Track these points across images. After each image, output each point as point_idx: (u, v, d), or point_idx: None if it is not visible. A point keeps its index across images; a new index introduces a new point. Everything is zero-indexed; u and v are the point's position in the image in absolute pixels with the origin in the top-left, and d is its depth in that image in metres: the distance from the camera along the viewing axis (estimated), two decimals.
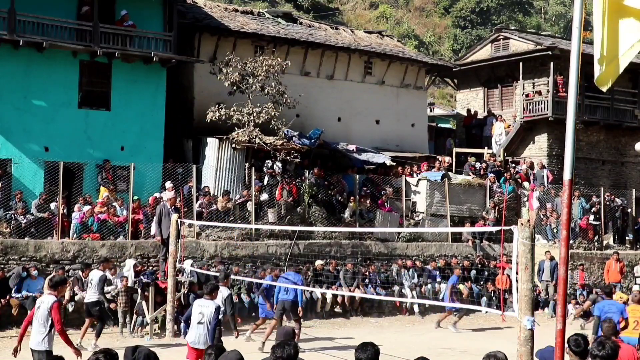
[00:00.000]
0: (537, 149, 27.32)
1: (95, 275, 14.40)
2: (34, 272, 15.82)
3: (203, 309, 9.78)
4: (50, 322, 8.58)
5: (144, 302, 15.16)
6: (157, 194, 19.03)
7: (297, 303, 14.02)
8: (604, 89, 5.11)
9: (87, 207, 17.98)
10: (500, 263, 20.20)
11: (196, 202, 19.18)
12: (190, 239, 18.09)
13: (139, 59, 19.96)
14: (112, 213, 18.01)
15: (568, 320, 15.34)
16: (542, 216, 23.30)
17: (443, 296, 17.95)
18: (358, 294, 18.29)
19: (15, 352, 8.91)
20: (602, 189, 24.77)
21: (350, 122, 25.26)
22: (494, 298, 20.07)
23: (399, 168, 23.71)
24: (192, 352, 9.62)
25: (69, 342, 8.71)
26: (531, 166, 26.19)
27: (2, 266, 15.93)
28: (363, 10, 50.38)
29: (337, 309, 18.54)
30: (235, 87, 20.78)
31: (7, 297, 15.31)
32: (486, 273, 21.09)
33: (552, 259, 20.54)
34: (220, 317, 10.03)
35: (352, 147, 23.86)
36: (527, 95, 27.39)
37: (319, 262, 18.46)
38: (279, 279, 14.35)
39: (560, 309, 5.23)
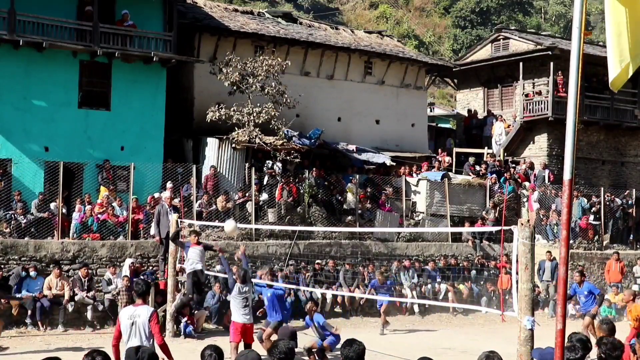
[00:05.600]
0: (537, 149, 27.32)
1: None
2: (33, 273, 15.82)
3: None
4: None
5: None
6: (156, 194, 19.03)
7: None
8: (616, 90, 5.09)
9: (87, 207, 17.99)
10: (500, 263, 20.21)
11: (196, 202, 19.18)
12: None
13: (139, 59, 19.96)
14: (111, 213, 18.02)
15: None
16: (542, 216, 23.30)
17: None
18: (358, 294, 18.29)
19: None
20: (602, 189, 24.77)
21: (350, 122, 25.26)
22: (493, 298, 20.08)
23: (401, 168, 23.68)
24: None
25: None
26: (531, 166, 26.20)
27: (2, 266, 15.93)
28: (363, 10, 50.39)
29: (337, 309, 18.54)
30: (235, 87, 20.78)
31: (7, 297, 15.30)
32: (486, 273, 21.10)
33: (552, 259, 20.56)
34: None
35: (352, 147, 23.87)
36: (527, 95, 27.38)
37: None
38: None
39: (560, 309, 5.22)
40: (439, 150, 26.86)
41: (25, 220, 17.16)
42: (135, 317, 8.00)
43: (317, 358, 12.07)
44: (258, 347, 11.72)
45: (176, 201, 17.90)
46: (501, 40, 29.48)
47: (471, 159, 25.63)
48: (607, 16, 4.90)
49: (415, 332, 17.16)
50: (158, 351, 7.60)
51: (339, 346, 10.70)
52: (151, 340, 7.98)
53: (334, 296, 18.27)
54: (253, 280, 13.26)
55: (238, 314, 11.20)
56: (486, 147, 27.38)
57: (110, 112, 19.93)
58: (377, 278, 16.94)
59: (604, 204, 24.19)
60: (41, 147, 18.93)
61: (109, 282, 16.37)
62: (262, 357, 5.42)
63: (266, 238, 19.45)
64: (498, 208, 22.96)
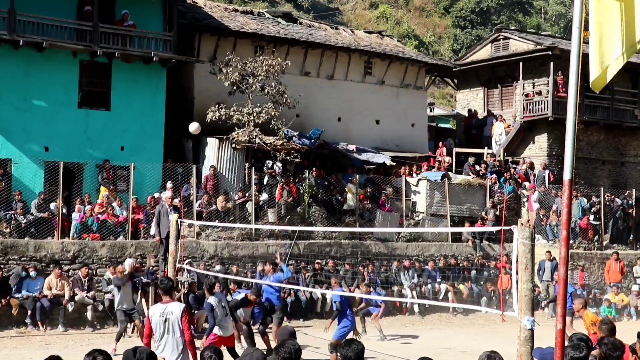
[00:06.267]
0: (537, 149, 27.32)
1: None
2: (33, 273, 15.82)
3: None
4: None
5: (143, 302, 15.15)
6: (156, 194, 19.04)
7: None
8: (597, 91, 5.13)
9: (87, 207, 17.99)
10: (500, 263, 20.22)
11: (196, 202, 19.19)
12: (190, 239, 18.09)
13: (139, 59, 19.96)
14: (111, 213, 18.02)
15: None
16: (542, 216, 23.31)
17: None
18: (358, 294, 18.27)
19: None
20: (602, 189, 24.77)
21: (350, 122, 25.25)
22: (493, 298, 20.09)
23: (401, 168, 23.68)
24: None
25: None
26: (531, 166, 26.19)
27: (2, 266, 15.93)
28: (363, 10, 50.36)
29: None
30: (235, 87, 20.78)
31: (7, 297, 15.31)
32: (486, 273, 21.11)
33: (552, 259, 20.55)
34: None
35: (352, 147, 23.87)
36: (527, 95, 27.38)
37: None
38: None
39: (560, 309, 5.22)
40: (431, 147, 26.91)
41: (25, 220, 17.16)
42: (167, 313, 8.10)
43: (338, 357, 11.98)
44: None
45: (176, 201, 17.90)
46: (501, 40, 29.48)
47: (471, 159, 25.62)
48: (591, 17, 4.92)
49: (415, 332, 17.15)
50: None
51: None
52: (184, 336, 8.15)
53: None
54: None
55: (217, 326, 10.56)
56: (486, 147, 27.37)
57: (110, 112, 19.93)
58: (362, 290, 15.86)
59: (604, 204, 24.18)
60: (41, 147, 18.93)
61: (109, 282, 16.37)
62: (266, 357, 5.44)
63: (266, 238, 19.45)
64: (498, 208, 22.96)
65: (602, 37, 4.86)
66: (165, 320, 8.05)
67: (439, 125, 33.71)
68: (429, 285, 20.10)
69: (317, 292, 17.82)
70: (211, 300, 10.58)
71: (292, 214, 20.12)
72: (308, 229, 19.10)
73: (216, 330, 10.58)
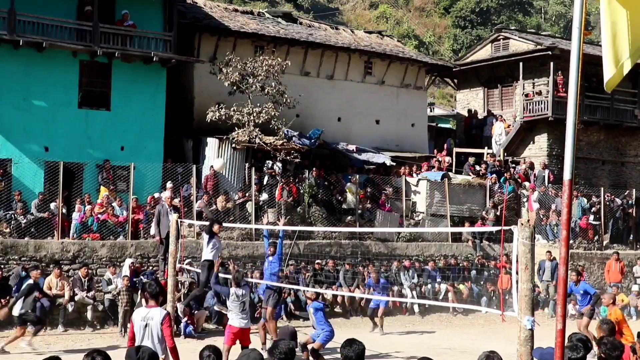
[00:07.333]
0: (537, 149, 27.33)
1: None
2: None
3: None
4: None
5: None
6: (156, 194, 19.04)
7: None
8: (610, 91, 5.11)
9: (87, 207, 18.00)
10: (500, 263, 20.22)
11: (196, 202, 19.19)
12: (190, 239, 18.09)
13: (139, 59, 19.97)
14: (111, 213, 18.02)
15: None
16: (542, 216, 23.31)
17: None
18: (358, 294, 18.30)
19: None
20: (602, 189, 24.77)
21: (350, 122, 25.26)
22: (493, 298, 20.09)
23: (401, 168, 23.68)
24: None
25: None
26: (531, 166, 26.19)
27: (2, 266, 15.92)
28: (363, 10, 50.40)
29: (337, 309, 18.54)
30: (235, 87, 20.78)
31: (7, 297, 15.30)
32: (486, 273, 21.11)
33: (552, 259, 20.56)
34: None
35: (352, 147, 23.87)
36: (527, 95, 27.39)
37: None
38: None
39: (560, 309, 5.22)
40: (431, 147, 26.96)
41: (25, 220, 17.16)
42: (148, 319, 7.91)
43: (311, 357, 11.96)
44: (257, 347, 11.70)
45: (176, 201, 17.90)
46: (501, 40, 29.48)
47: (471, 159, 25.63)
48: (602, 17, 4.89)
49: (415, 332, 17.16)
50: None
51: (334, 345, 10.51)
52: (164, 344, 7.91)
53: (334, 296, 18.27)
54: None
55: (235, 318, 11.10)
56: (486, 147, 27.37)
57: (110, 112, 19.94)
58: (372, 276, 17.51)
59: (604, 204, 24.18)
60: (41, 147, 18.93)
61: (109, 282, 16.38)
62: (264, 358, 5.43)
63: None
64: (498, 208, 22.95)
65: (614, 37, 4.83)
66: (146, 326, 7.92)
67: (439, 125, 33.71)
68: (429, 285, 20.10)
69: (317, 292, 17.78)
70: (233, 290, 11.16)
71: (292, 214, 20.11)
72: (308, 229, 19.10)
73: (236, 322, 11.09)
